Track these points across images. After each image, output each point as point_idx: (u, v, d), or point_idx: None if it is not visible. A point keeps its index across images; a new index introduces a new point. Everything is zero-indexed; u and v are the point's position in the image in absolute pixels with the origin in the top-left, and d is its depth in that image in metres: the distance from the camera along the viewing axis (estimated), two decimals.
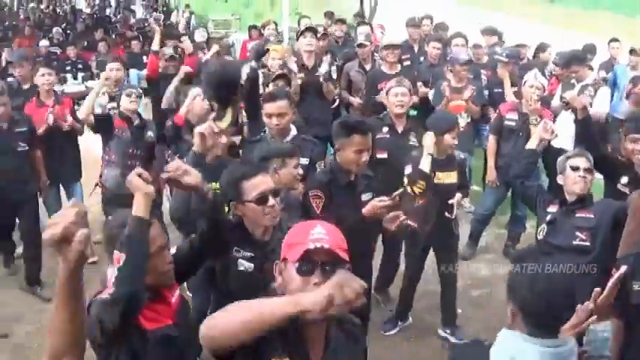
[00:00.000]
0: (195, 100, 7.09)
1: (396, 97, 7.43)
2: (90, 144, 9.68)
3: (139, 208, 3.38)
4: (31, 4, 29.25)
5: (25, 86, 9.72)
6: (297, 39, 10.35)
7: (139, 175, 3.46)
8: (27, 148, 8.04)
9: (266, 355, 2.79)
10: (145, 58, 13.76)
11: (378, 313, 7.32)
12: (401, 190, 5.38)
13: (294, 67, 9.35)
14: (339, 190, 5.47)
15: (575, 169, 5.64)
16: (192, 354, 3.89)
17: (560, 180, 5.79)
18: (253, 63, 7.05)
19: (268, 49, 9.32)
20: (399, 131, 7.49)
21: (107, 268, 3.61)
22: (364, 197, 5.57)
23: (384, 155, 7.29)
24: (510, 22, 19.06)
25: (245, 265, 4.33)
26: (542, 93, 8.68)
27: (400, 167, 6.78)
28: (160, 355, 3.62)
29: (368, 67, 10.55)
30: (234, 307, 2.62)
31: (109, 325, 3.32)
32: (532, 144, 6.23)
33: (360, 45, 10.69)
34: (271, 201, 4.22)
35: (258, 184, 4.23)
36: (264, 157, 5.15)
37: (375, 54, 11.05)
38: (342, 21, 13.83)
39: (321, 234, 2.80)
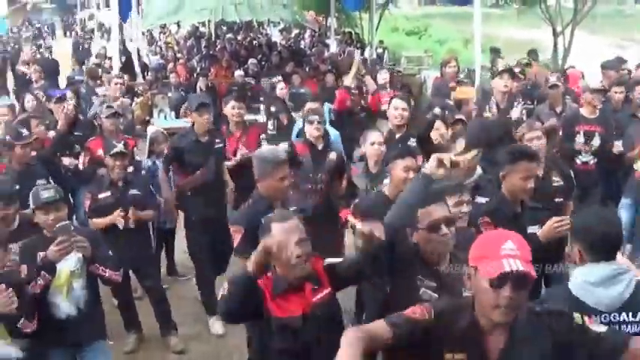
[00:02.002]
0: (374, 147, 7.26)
1: (532, 142, 6.96)
2: None
3: None
4: (228, 35, 30.21)
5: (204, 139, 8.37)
6: (493, 78, 10.23)
7: None
8: None
9: (440, 351, 3.15)
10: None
11: None
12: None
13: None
14: (504, 222, 5.17)
15: None
16: (320, 349, 4.08)
17: None
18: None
19: None
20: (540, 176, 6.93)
21: None
22: (530, 230, 5.42)
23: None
24: None
25: (430, 294, 4.31)
26: None
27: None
28: (281, 342, 4.10)
29: (558, 109, 10.25)
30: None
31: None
32: None
33: (552, 86, 10.45)
34: (444, 229, 4.29)
35: (431, 212, 4.31)
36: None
37: (567, 97, 10.77)
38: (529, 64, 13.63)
39: (512, 250, 3.01)
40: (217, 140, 8.52)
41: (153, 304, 7.72)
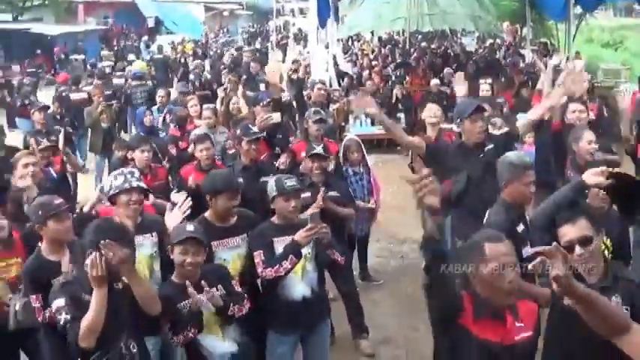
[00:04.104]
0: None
1: None
2: None
3: None
4: (423, 44, 30.35)
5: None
6: None
7: None
8: None
9: None
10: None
11: None
12: None
13: None
14: None
15: None
16: None
17: None
18: None
19: None
20: None
21: None
22: None
23: None
24: None
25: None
26: None
27: None
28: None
29: None
30: None
31: None
32: None
33: None
34: (578, 250, 4.31)
35: (565, 232, 4.42)
36: None
37: None
38: None
39: None
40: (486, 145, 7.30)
41: (347, 307, 7.90)
